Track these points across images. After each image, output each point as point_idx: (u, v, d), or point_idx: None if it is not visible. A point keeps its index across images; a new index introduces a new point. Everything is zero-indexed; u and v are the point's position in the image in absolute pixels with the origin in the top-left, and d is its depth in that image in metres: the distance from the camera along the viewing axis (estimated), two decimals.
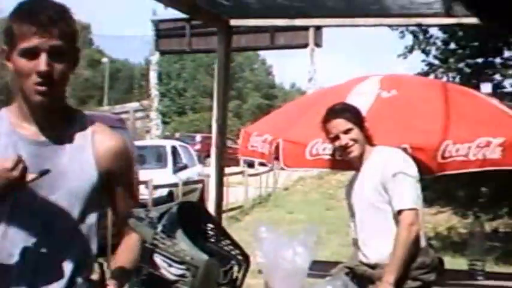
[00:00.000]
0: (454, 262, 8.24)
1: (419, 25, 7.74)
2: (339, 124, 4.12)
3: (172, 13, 9.50)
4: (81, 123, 2.32)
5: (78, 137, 2.29)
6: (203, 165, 20.57)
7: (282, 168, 5.30)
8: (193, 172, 18.58)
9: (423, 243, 4.10)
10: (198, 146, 30.41)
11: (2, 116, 2.30)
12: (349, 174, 4.55)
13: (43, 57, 2.14)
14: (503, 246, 11.66)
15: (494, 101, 5.32)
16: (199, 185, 17.04)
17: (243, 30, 24.29)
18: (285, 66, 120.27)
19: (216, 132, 5.58)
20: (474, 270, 5.16)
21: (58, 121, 2.28)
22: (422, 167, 4.36)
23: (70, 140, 2.28)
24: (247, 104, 61.91)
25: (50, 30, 2.13)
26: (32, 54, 2.14)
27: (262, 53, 61.12)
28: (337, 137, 4.15)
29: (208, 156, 17.71)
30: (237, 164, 22.82)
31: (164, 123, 43.93)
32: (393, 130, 4.70)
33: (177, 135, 38.13)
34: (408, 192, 3.98)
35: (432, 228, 12.94)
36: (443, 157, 4.57)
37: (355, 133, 4.11)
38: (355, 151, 4.11)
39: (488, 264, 9.63)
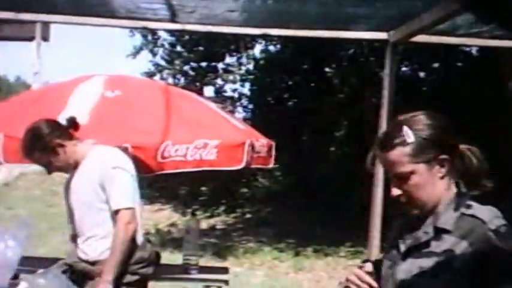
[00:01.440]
0: (173, 257, 8.52)
1: (145, 28, 7.93)
2: None
3: None
4: None
5: None
6: None
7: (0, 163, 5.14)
8: None
9: (141, 238, 4.22)
10: None
11: None
12: None
13: None
14: (220, 242, 12.30)
15: (213, 105, 5.67)
16: None
17: None
18: (10, 58, 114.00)
19: None
20: (188, 265, 5.41)
21: None
22: (142, 166, 4.52)
23: None
24: None
25: None
26: None
27: None
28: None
29: None
30: None
31: None
32: (115, 129, 4.81)
33: None
34: (125, 191, 4.07)
35: (153, 225, 13.21)
36: (162, 157, 4.78)
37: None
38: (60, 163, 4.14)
39: (205, 259, 10.21)
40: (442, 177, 2.07)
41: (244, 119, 16.35)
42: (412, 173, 2.05)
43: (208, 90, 14.62)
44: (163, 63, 15.38)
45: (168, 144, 4.80)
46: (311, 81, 15.13)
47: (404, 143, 2.05)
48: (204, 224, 13.99)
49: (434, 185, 2.07)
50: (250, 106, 16.43)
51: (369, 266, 2.21)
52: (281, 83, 15.15)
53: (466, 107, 13.77)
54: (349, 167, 11.87)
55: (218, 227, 13.90)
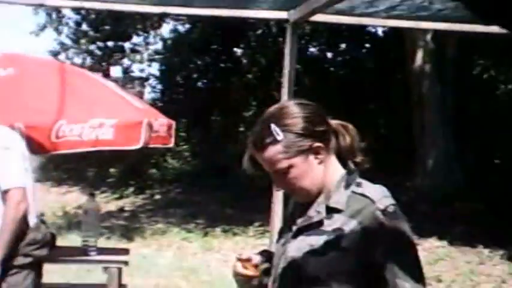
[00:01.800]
0: (79, 240, 8.37)
1: (41, 5, 7.70)
2: None
3: None
4: None
5: None
6: None
7: None
8: None
9: (34, 220, 4.12)
10: None
11: None
12: None
13: None
14: (128, 224, 12.17)
15: (110, 84, 5.56)
16: None
17: None
18: None
19: None
20: (87, 246, 5.33)
21: None
22: (36, 146, 4.40)
23: None
24: None
25: None
26: None
27: None
28: None
29: None
30: None
31: None
32: (7, 108, 4.66)
33: None
34: (15, 170, 3.96)
35: (61, 207, 12.95)
36: (57, 136, 4.66)
37: None
38: None
39: (113, 241, 10.05)
40: (320, 163, 2.07)
41: (154, 100, 16.20)
42: (289, 167, 2.04)
43: (116, 71, 14.38)
44: (68, 42, 15.03)
45: (63, 123, 4.68)
46: (220, 61, 15.10)
47: (274, 142, 2.03)
48: (113, 206, 13.81)
49: (315, 172, 2.07)
50: (159, 86, 16.28)
51: (248, 255, 2.21)
52: (190, 63, 15.06)
53: (373, 86, 14.09)
54: None
55: (127, 208, 13.74)
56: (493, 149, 12.78)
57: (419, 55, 12.91)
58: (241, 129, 14.83)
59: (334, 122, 2.14)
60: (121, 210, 13.55)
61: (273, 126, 2.05)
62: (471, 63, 12.49)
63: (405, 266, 1.97)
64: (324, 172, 2.08)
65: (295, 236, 2.10)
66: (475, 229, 11.06)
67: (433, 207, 12.27)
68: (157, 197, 14.50)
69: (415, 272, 1.98)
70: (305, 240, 2.05)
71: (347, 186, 2.06)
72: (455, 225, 11.56)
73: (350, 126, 2.15)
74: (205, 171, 14.42)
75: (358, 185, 2.06)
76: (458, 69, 12.90)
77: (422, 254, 8.92)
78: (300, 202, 2.17)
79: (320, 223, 2.05)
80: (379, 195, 2.03)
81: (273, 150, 2.04)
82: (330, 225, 2.03)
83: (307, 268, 2.02)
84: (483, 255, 9.64)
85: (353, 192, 2.04)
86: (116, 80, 14.12)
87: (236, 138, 14.67)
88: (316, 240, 2.02)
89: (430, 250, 9.97)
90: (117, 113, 4.91)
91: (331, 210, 2.05)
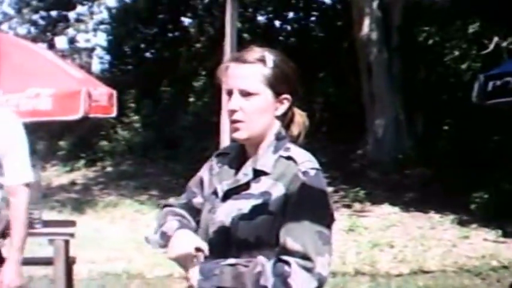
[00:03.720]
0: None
1: None
2: None
3: None
4: None
5: None
6: None
7: None
8: None
9: None
10: None
11: None
12: None
13: None
14: (80, 197, 12.07)
15: (48, 53, 5.45)
16: None
17: None
18: None
19: None
20: (32, 219, 5.24)
21: None
22: None
23: None
24: None
25: None
26: None
27: None
28: None
29: None
30: None
31: None
32: None
33: None
34: None
35: None
36: None
37: None
38: None
39: (64, 215, 9.93)
40: (274, 115, 2.07)
41: (102, 71, 15.98)
42: (256, 94, 2.03)
43: (60, 41, 14.13)
44: (11, 11, 14.68)
45: None
46: (167, 31, 14.95)
47: (264, 63, 2.03)
48: (64, 179, 13.66)
49: (268, 119, 2.06)
50: (107, 57, 16.07)
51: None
52: (137, 33, 14.87)
53: (321, 55, 14.11)
54: (209, 117, 11.88)
55: (78, 181, 13.60)
56: (442, 115, 12.93)
57: (366, 23, 12.97)
58: (191, 99, 14.74)
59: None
60: (72, 183, 13.42)
61: (267, 53, 2.06)
62: (417, 30, 12.56)
63: (305, 229, 1.94)
64: (269, 126, 2.08)
65: (223, 200, 2.09)
66: (426, 195, 11.26)
67: (384, 174, 12.43)
68: (109, 169, 14.37)
69: (312, 238, 1.94)
70: (234, 205, 2.04)
71: (275, 150, 2.06)
72: (406, 192, 11.75)
73: (303, 113, 2.17)
74: (157, 142, 14.34)
75: (287, 149, 2.06)
76: (404, 37, 13.01)
77: (374, 220, 9.15)
78: (223, 164, 2.17)
79: (248, 186, 2.04)
80: (304, 159, 2.03)
81: (258, 68, 2.03)
82: (257, 188, 2.02)
83: (237, 232, 2.01)
84: (434, 221, 9.83)
85: (280, 156, 2.04)
86: (61, 51, 13.92)
87: (186, 109, 14.59)
88: (244, 204, 2.02)
89: (382, 216, 10.12)
90: (55, 83, 4.82)
91: (258, 173, 2.04)
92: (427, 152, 12.24)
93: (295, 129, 2.13)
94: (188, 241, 2.05)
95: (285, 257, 1.92)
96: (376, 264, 7.74)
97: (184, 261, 2.06)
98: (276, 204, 1.98)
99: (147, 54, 15.41)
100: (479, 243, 8.66)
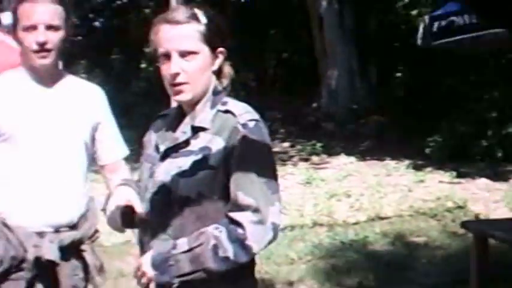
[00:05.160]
0: None
1: None
2: None
3: None
4: None
5: None
6: None
7: None
8: None
9: None
10: None
11: None
12: None
13: None
14: None
15: None
16: None
17: None
18: None
19: None
20: None
21: None
22: None
23: None
24: None
25: None
26: None
27: None
28: None
29: None
30: None
31: None
32: None
33: None
34: None
35: None
36: None
37: None
38: None
39: None
40: (212, 70, 2.04)
41: None
42: (197, 52, 1.99)
43: (6, 17, 13.77)
44: None
45: None
46: None
47: (198, 21, 1.99)
48: None
49: (208, 76, 2.03)
50: None
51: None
52: (85, 2, 14.64)
53: (272, 11, 14.03)
54: (161, 82, 11.76)
55: None
56: (394, 63, 12.99)
57: None
58: (143, 65, 14.60)
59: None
60: None
61: (197, 10, 2.02)
62: None
63: (254, 181, 1.94)
64: (210, 82, 2.05)
65: (162, 159, 2.06)
66: (382, 143, 11.35)
67: (339, 125, 12.49)
68: None
69: (262, 190, 1.94)
70: (173, 163, 2.01)
71: (213, 105, 2.03)
72: (362, 141, 11.82)
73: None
74: (111, 111, 14.16)
75: (224, 104, 2.03)
76: None
77: (331, 172, 9.11)
78: (164, 124, 2.14)
79: (187, 143, 2.02)
80: (242, 111, 2.00)
81: (193, 28, 1.99)
82: (196, 144, 2.00)
83: (177, 190, 1.99)
84: (390, 167, 9.90)
85: (218, 110, 2.02)
86: (7, 27, 13.57)
87: (139, 75, 14.45)
88: (184, 161, 1.99)
89: (339, 167, 10.16)
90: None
91: (197, 130, 2.02)
92: (381, 100, 12.30)
93: (225, 81, 2.09)
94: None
95: (236, 217, 1.92)
96: (333, 214, 7.75)
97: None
98: (216, 158, 1.96)
99: (96, 24, 15.16)
100: (435, 186, 8.74)
